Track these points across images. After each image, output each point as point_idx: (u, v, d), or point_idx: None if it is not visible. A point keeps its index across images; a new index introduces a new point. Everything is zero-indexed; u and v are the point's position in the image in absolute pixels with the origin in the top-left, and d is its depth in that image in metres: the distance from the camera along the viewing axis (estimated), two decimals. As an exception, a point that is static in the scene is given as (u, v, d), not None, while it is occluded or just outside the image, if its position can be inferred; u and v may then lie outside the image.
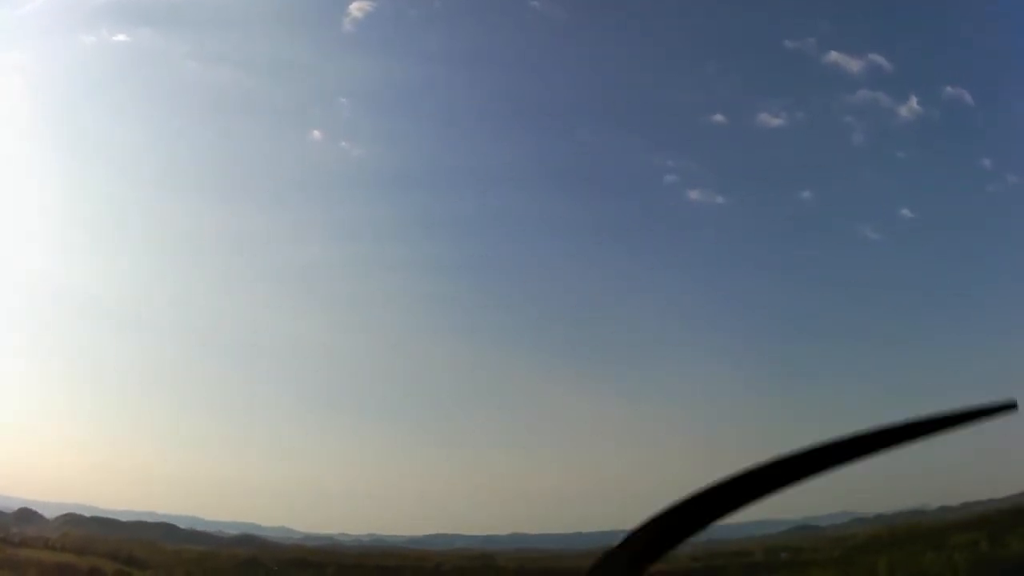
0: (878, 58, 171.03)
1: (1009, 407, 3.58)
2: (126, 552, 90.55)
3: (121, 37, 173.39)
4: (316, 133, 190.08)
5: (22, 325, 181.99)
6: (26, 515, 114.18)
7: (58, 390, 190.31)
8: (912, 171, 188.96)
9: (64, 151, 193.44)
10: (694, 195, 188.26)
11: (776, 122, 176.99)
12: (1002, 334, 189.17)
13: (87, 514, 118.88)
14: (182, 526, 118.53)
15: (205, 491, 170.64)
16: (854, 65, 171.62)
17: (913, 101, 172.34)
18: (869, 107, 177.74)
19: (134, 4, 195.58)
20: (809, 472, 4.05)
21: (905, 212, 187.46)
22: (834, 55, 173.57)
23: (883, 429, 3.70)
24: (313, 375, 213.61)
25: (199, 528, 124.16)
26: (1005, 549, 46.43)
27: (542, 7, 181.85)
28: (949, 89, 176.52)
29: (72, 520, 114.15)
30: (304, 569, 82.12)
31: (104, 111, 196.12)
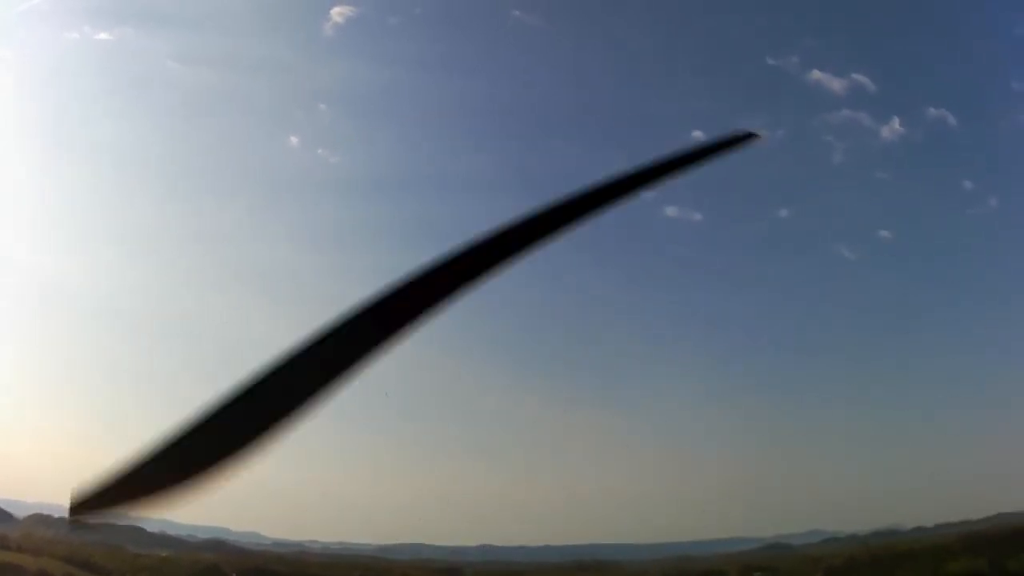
0: (861, 78, 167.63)
1: (750, 136, 3.19)
2: (83, 555, 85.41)
3: (104, 35, 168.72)
4: (294, 139, 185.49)
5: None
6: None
7: (35, 388, 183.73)
8: (892, 192, 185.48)
9: (44, 145, 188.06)
10: (671, 211, 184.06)
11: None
12: (980, 355, 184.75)
13: (57, 514, 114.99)
14: (152, 529, 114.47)
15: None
16: (837, 85, 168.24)
17: (896, 122, 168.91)
18: (850, 127, 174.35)
19: (118, 3, 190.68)
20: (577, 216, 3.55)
21: (883, 233, 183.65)
22: (817, 74, 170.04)
23: (638, 171, 3.20)
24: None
25: (170, 532, 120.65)
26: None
27: (523, 17, 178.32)
28: (932, 110, 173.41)
29: (41, 520, 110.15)
30: (263, 577, 76.49)
31: (85, 108, 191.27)
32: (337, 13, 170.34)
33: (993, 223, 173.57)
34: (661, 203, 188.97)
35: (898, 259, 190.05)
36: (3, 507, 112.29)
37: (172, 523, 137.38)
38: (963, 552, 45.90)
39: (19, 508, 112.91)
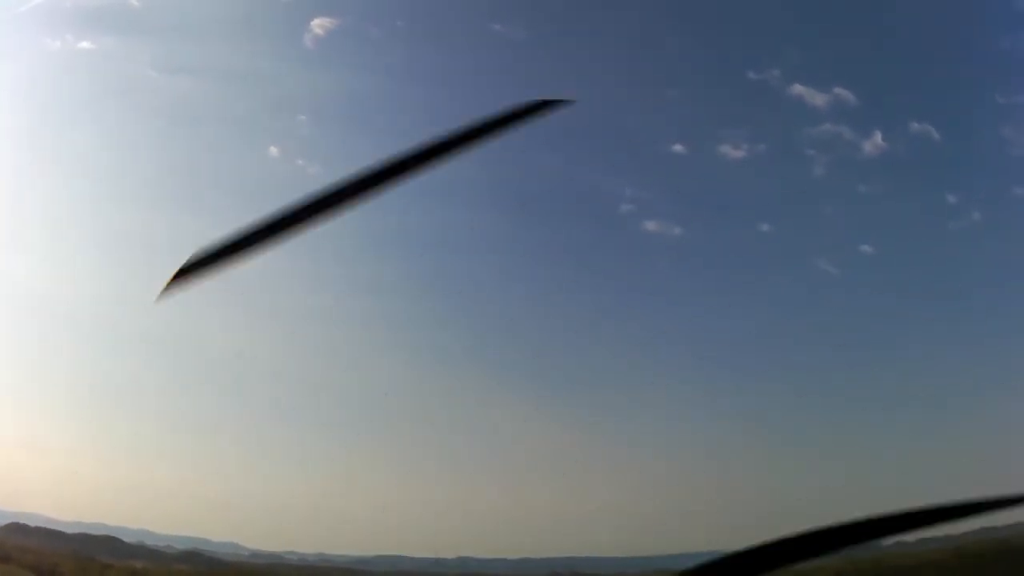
0: (843, 92, 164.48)
1: (554, 103, 2.66)
2: (50, 565, 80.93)
3: (86, 44, 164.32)
4: (274, 149, 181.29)
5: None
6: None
7: (17, 397, 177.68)
8: (874, 206, 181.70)
9: (23, 153, 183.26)
10: (651, 225, 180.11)
11: (737, 153, 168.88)
12: (962, 370, 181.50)
13: (34, 524, 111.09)
14: (131, 539, 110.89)
15: (157, 504, 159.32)
16: (819, 98, 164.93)
17: (878, 136, 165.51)
18: (832, 141, 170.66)
19: (100, 12, 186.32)
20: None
21: (865, 248, 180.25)
22: (798, 87, 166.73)
23: (438, 141, 2.66)
24: (267, 391, 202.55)
25: (148, 542, 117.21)
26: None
27: (503, 30, 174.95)
28: (915, 124, 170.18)
29: (17, 529, 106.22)
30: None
31: (65, 116, 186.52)
32: (318, 24, 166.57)
33: (977, 237, 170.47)
34: (641, 217, 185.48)
35: (880, 274, 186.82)
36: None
37: (151, 533, 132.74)
38: (960, 570, 42.34)
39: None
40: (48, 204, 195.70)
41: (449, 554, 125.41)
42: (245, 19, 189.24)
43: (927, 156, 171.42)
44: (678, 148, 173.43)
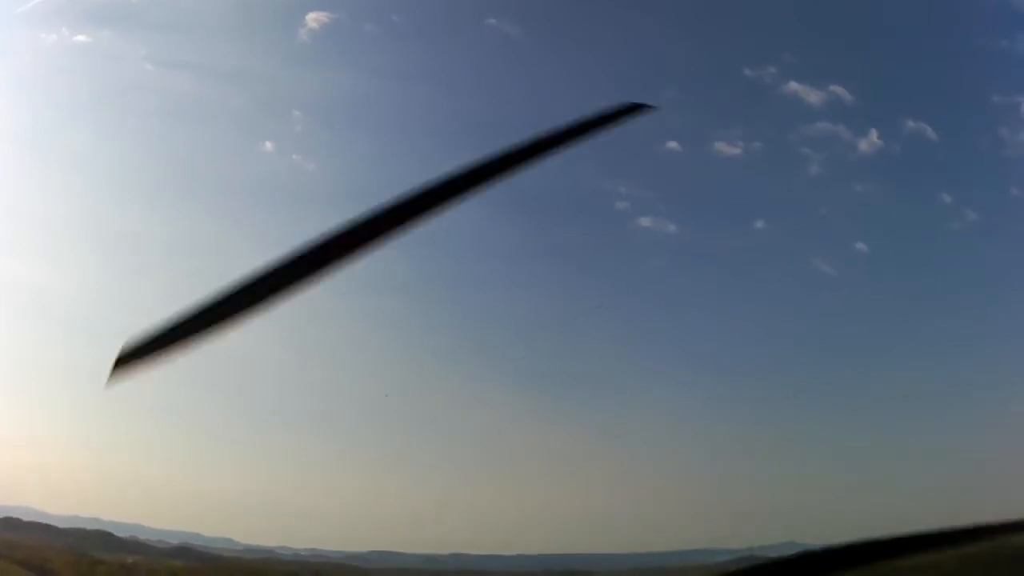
0: (839, 90, 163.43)
1: (642, 107, 2.63)
2: (40, 560, 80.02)
3: (81, 37, 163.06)
4: (269, 145, 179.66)
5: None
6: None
7: (13, 393, 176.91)
8: (869, 205, 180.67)
9: (17, 146, 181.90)
10: (645, 222, 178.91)
11: (732, 151, 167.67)
12: (956, 369, 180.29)
13: (28, 518, 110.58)
14: (124, 534, 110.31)
15: (151, 499, 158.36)
16: (814, 97, 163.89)
17: (873, 134, 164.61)
18: (828, 139, 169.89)
19: (96, 5, 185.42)
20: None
21: (860, 246, 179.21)
22: (794, 85, 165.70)
23: (517, 148, 2.52)
24: (263, 388, 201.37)
25: (141, 537, 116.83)
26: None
27: (499, 26, 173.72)
28: (911, 123, 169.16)
29: (9, 524, 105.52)
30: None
31: (60, 109, 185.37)
32: (313, 19, 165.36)
33: (971, 237, 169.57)
34: (635, 213, 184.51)
35: (876, 272, 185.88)
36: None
37: (144, 528, 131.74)
38: (960, 571, 41.18)
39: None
40: (43, 200, 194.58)
41: (443, 550, 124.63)
42: (240, 13, 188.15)
43: (923, 155, 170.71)
44: (673, 145, 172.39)
